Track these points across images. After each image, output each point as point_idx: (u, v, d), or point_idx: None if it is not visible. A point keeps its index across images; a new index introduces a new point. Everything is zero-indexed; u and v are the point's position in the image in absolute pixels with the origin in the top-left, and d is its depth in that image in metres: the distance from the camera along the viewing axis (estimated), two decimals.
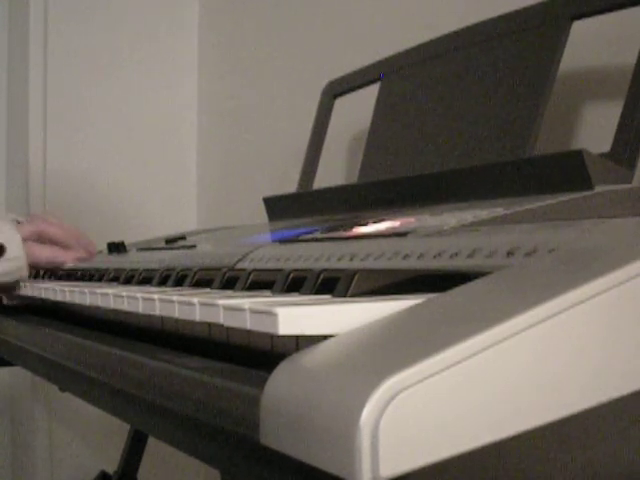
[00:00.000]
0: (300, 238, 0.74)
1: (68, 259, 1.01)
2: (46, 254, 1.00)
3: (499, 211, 0.60)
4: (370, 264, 0.55)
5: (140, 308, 0.59)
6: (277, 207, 1.15)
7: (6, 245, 0.97)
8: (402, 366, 0.31)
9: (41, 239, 1.04)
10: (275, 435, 0.35)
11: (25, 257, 1.00)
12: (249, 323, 0.42)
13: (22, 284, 1.00)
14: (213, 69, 1.91)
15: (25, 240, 1.01)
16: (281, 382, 0.36)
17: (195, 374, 0.48)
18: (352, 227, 0.72)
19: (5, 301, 1.08)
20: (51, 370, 0.80)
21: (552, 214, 0.57)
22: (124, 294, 0.62)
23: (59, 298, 0.82)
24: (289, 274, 0.56)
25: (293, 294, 0.54)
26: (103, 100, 1.84)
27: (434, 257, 0.50)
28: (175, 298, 0.53)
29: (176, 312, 0.53)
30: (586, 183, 0.66)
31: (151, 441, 1.41)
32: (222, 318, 0.46)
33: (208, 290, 0.64)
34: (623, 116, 0.72)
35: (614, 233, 0.43)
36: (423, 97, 1.00)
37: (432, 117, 0.97)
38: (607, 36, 0.91)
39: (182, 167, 1.93)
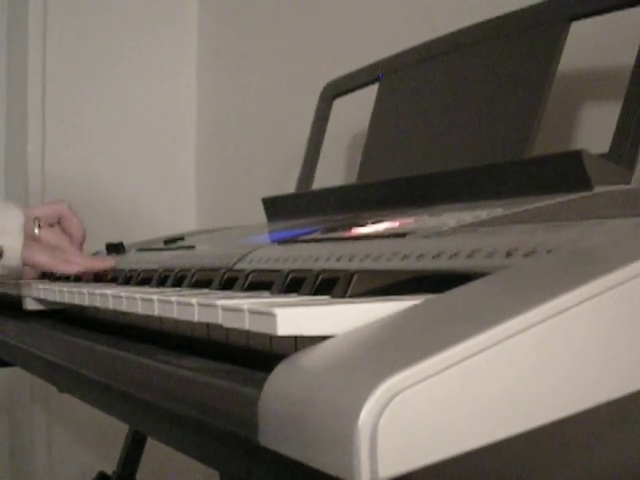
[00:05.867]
0: (299, 239, 0.74)
1: (66, 270, 0.99)
2: (44, 262, 0.98)
3: (498, 212, 0.60)
4: (369, 265, 0.55)
5: (139, 309, 0.59)
6: (276, 208, 1.15)
7: (5, 250, 0.95)
8: (401, 367, 0.31)
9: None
10: (274, 436, 0.35)
11: (19, 265, 0.98)
12: (248, 324, 0.42)
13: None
14: (212, 69, 1.91)
15: (27, 240, 0.98)
16: (280, 383, 0.36)
17: (194, 375, 0.48)
18: (351, 228, 0.72)
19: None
20: (50, 371, 0.80)
21: (551, 215, 0.57)
22: (123, 295, 0.62)
23: (58, 299, 0.82)
24: (288, 275, 0.56)
25: (292, 295, 0.54)
26: (102, 100, 1.84)
27: (433, 258, 0.50)
28: (174, 299, 0.53)
29: (175, 313, 0.53)
30: (585, 184, 0.66)
31: (150, 442, 1.41)
32: (221, 319, 0.46)
33: (207, 291, 0.64)
34: (622, 116, 0.72)
35: (613, 234, 0.43)
36: (422, 98, 1.00)
37: (431, 118, 0.97)
38: (606, 37, 0.91)
39: (181, 167, 1.93)
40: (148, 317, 0.60)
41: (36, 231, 1.01)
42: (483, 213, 0.61)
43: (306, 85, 1.41)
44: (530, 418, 0.33)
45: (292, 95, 1.58)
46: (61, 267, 0.97)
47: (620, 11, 0.78)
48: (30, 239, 0.98)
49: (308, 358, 0.36)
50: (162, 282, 0.76)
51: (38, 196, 1.77)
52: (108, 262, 1.01)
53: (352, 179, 1.20)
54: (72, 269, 0.98)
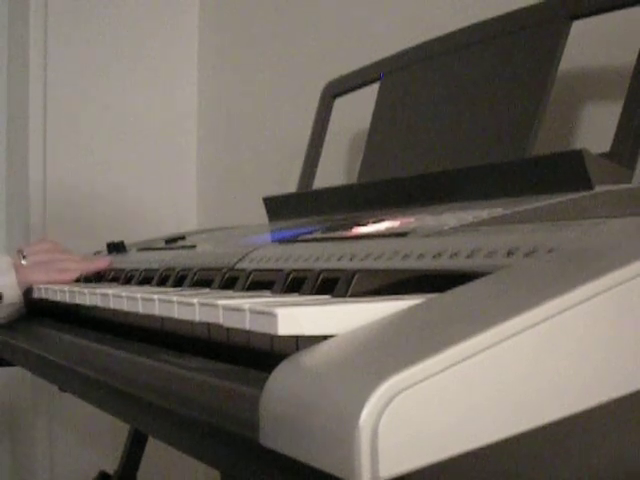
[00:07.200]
0: (300, 238, 0.74)
1: (64, 280, 1.00)
2: (39, 278, 1.00)
3: (499, 211, 0.60)
4: (370, 264, 0.55)
5: (140, 308, 0.59)
6: (277, 207, 1.15)
7: (3, 292, 0.98)
8: (401, 367, 0.31)
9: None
10: (275, 435, 0.35)
11: (21, 298, 1.00)
12: (248, 323, 0.42)
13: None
14: (213, 69, 1.91)
15: (20, 269, 1.00)
16: (281, 382, 0.36)
17: (195, 374, 0.48)
18: (352, 227, 0.72)
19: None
20: (51, 370, 0.80)
21: (552, 214, 0.57)
22: (124, 294, 0.62)
23: (59, 298, 0.82)
24: (289, 274, 0.56)
25: (293, 294, 0.54)
26: (103, 100, 1.84)
27: (434, 257, 0.50)
28: (175, 298, 0.53)
29: (175, 312, 0.53)
30: (586, 183, 0.66)
31: (151, 441, 1.41)
32: (222, 318, 0.46)
33: (208, 290, 0.64)
34: (623, 116, 0.72)
35: (614, 233, 0.43)
36: (423, 97, 1.00)
37: (432, 117, 0.97)
38: (607, 36, 0.91)
39: (182, 167, 1.93)
40: (149, 317, 0.60)
41: (23, 262, 1.03)
42: (484, 212, 0.61)
43: (307, 84, 1.41)
44: (530, 418, 0.33)
45: (293, 94, 1.58)
46: (57, 278, 0.99)
47: (621, 10, 0.78)
48: (20, 269, 1.01)
49: (309, 358, 0.36)
50: (163, 282, 0.76)
51: (40, 196, 1.77)
52: (102, 262, 1.02)
53: (353, 178, 1.20)
54: (68, 277, 0.99)
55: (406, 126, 1.01)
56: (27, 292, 0.99)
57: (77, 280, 1.01)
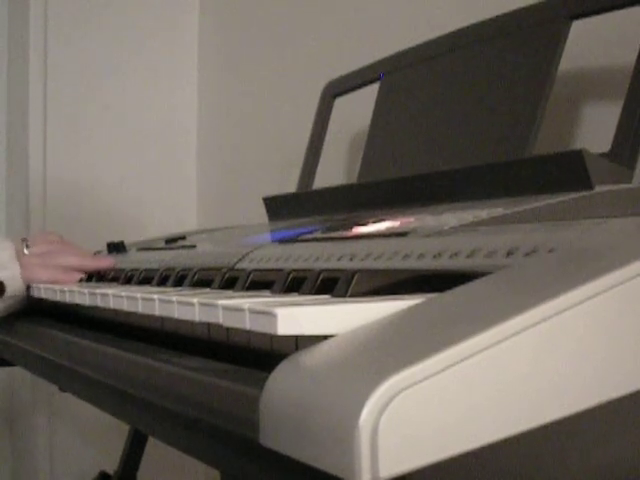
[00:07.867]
0: (300, 238, 0.74)
1: (68, 282, 1.00)
2: (45, 278, 1.00)
3: (499, 211, 0.60)
4: (370, 264, 0.55)
5: (140, 308, 0.59)
6: (277, 207, 1.15)
7: (6, 283, 0.97)
8: (402, 366, 0.31)
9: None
10: (275, 435, 0.35)
11: (24, 290, 0.99)
12: (248, 323, 0.42)
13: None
14: (213, 69, 1.91)
15: (25, 264, 1.00)
16: (281, 382, 0.36)
17: (195, 374, 0.48)
18: (352, 227, 0.72)
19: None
20: (51, 370, 0.80)
21: (552, 214, 0.57)
22: (124, 294, 0.62)
23: (59, 298, 0.82)
24: (289, 274, 0.56)
25: (293, 294, 0.54)
26: (103, 100, 1.84)
27: (434, 257, 0.50)
28: (175, 298, 0.53)
29: (175, 312, 0.53)
30: (586, 183, 0.66)
31: (151, 441, 1.41)
32: (221, 318, 0.46)
33: (208, 290, 0.64)
34: (623, 116, 0.72)
35: (614, 233, 0.43)
36: (423, 97, 1.00)
37: (432, 117, 0.97)
38: (607, 36, 0.91)
39: (182, 167, 1.93)
40: (149, 317, 0.60)
41: (25, 251, 1.03)
42: (484, 212, 0.61)
43: (307, 84, 1.41)
44: (530, 418, 0.33)
45: (293, 94, 1.58)
46: (63, 279, 0.99)
47: (621, 10, 0.78)
48: (23, 260, 1.00)
49: (309, 357, 0.36)
50: (163, 281, 0.76)
51: (40, 195, 1.77)
52: (107, 262, 1.02)
53: (353, 178, 1.20)
54: (74, 279, 0.99)
55: (406, 126, 1.01)
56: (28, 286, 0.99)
57: (79, 280, 1.01)
